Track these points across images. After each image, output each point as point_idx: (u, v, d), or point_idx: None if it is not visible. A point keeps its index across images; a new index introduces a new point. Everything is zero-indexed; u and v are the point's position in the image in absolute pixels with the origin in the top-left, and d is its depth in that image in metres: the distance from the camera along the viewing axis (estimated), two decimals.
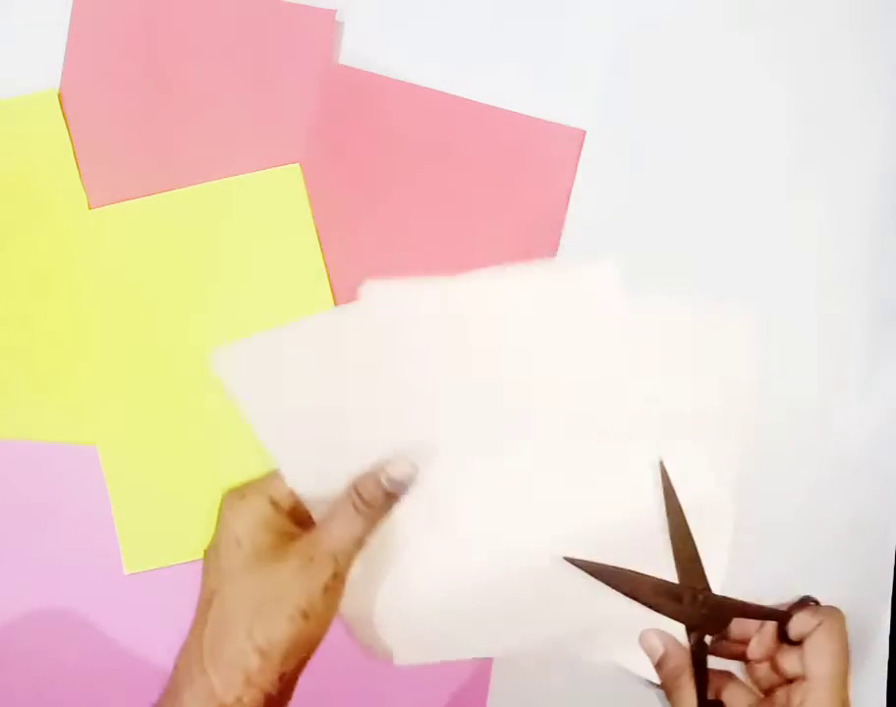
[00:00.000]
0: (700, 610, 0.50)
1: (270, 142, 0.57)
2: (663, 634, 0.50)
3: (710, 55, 0.58)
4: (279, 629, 0.40)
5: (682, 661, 0.49)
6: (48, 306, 0.56)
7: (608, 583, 0.50)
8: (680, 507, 0.51)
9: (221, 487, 0.56)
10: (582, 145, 0.57)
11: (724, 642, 0.51)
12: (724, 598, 0.51)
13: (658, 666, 0.50)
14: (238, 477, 0.56)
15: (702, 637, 0.50)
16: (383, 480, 0.44)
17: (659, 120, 0.58)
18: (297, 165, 0.57)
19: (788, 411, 0.57)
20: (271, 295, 0.57)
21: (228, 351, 0.50)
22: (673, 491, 0.51)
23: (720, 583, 0.52)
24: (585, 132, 0.58)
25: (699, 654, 0.49)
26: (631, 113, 0.58)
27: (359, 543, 0.43)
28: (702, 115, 0.58)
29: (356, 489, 0.44)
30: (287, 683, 0.41)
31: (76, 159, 0.57)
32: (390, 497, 0.44)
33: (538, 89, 0.58)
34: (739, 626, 0.51)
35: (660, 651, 0.50)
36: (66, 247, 0.56)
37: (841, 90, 0.58)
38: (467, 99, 0.57)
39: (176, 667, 0.42)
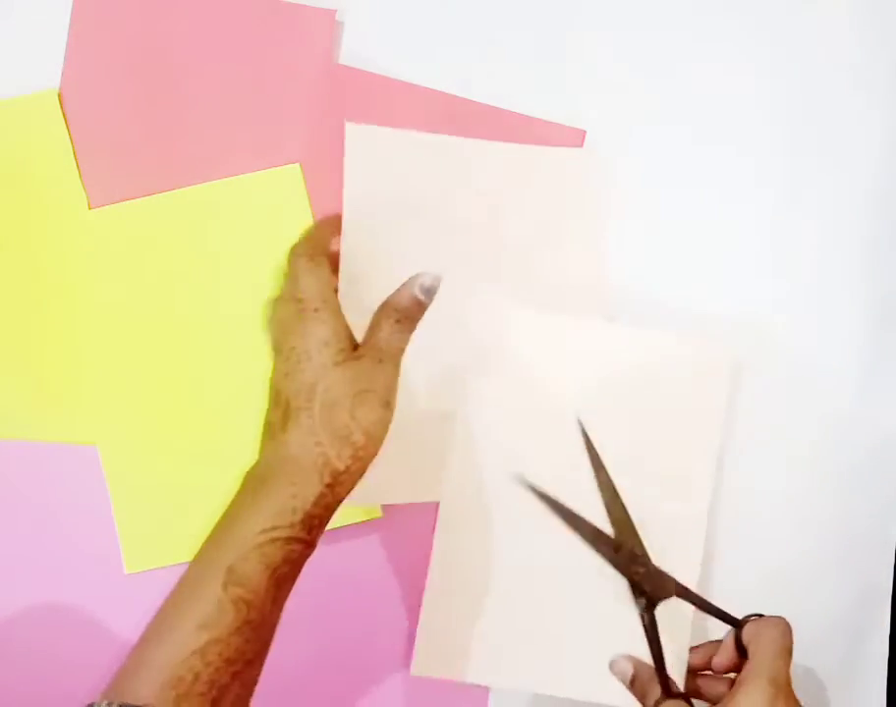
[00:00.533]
0: (637, 567, 0.52)
1: (270, 142, 0.57)
2: (630, 658, 0.52)
3: (710, 55, 0.58)
4: (376, 414, 0.47)
5: (648, 674, 0.51)
6: (48, 306, 0.56)
7: (554, 510, 0.52)
8: (603, 464, 0.53)
9: (221, 487, 0.56)
10: (582, 145, 0.57)
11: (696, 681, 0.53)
12: (663, 571, 0.52)
13: (631, 683, 0.52)
14: (237, 477, 0.56)
15: (652, 608, 0.51)
16: (416, 290, 0.49)
17: (659, 121, 0.58)
18: (297, 165, 0.57)
19: (788, 412, 0.57)
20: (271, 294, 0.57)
21: (360, 128, 0.54)
22: (595, 449, 0.53)
23: (695, 580, 0.53)
24: (584, 132, 0.58)
25: (650, 630, 0.51)
26: (631, 113, 0.58)
27: (402, 351, 0.49)
28: (703, 116, 0.58)
29: (393, 305, 0.49)
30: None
31: (76, 159, 0.57)
32: (421, 306, 0.49)
33: (538, 89, 0.58)
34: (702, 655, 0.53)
35: (630, 672, 0.52)
36: (66, 247, 0.56)
37: (842, 90, 0.58)
38: (467, 99, 0.57)
39: (276, 456, 0.47)
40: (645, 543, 0.53)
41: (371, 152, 0.55)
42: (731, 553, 0.56)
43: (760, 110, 0.58)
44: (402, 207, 0.55)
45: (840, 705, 0.57)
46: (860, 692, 0.57)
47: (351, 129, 0.54)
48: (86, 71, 0.57)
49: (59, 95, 0.57)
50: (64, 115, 0.57)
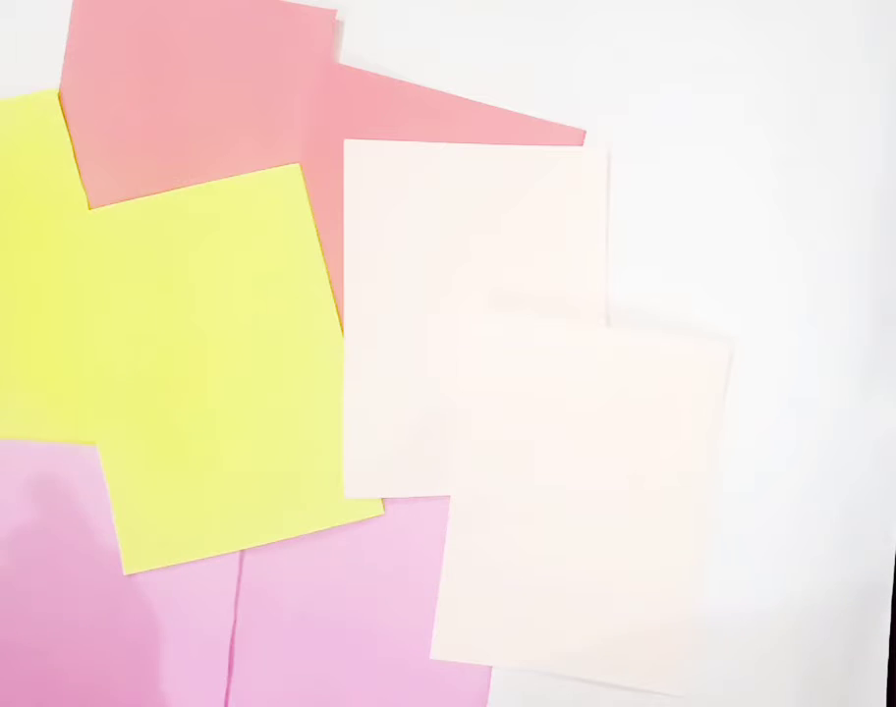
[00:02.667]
0: None
1: (270, 142, 0.57)
2: None
3: (711, 56, 0.58)
4: None
5: None
6: (48, 306, 0.56)
7: None
8: None
9: (220, 488, 0.56)
10: (581, 145, 0.58)
11: None
12: None
13: None
14: (237, 477, 0.56)
15: None
16: None
17: (658, 121, 0.58)
18: (297, 165, 0.57)
19: (788, 412, 0.57)
20: (271, 294, 0.57)
21: (358, 143, 0.56)
22: None
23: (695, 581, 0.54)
24: (584, 132, 0.58)
25: None
26: (631, 113, 0.58)
27: None
28: (702, 117, 0.58)
29: None
30: None
31: (76, 159, 0.57)
32: None
33: (538, 89, 0.58)
34: None
35: None
36: (66, 247, 0.56)
37: (842, 89, 0.58)
38: (467, 99, 0.57)
39: None
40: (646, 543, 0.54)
41: (371, 166, 0.56)
42: (730, 552, 0.56)
43: (761, 111, 0.58)
44: (404, 218, 0.56)
45: (840, 705, 0.57)
46: (860, 692, 0.57)
47: (350, 145, 0.56)
48: (86, 71, 0.57)
49: (59, 95, 0.57)
50: (64, 115, 0.57)
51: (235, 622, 0.56)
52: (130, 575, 0.56)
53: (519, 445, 0.56)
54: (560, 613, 0.55)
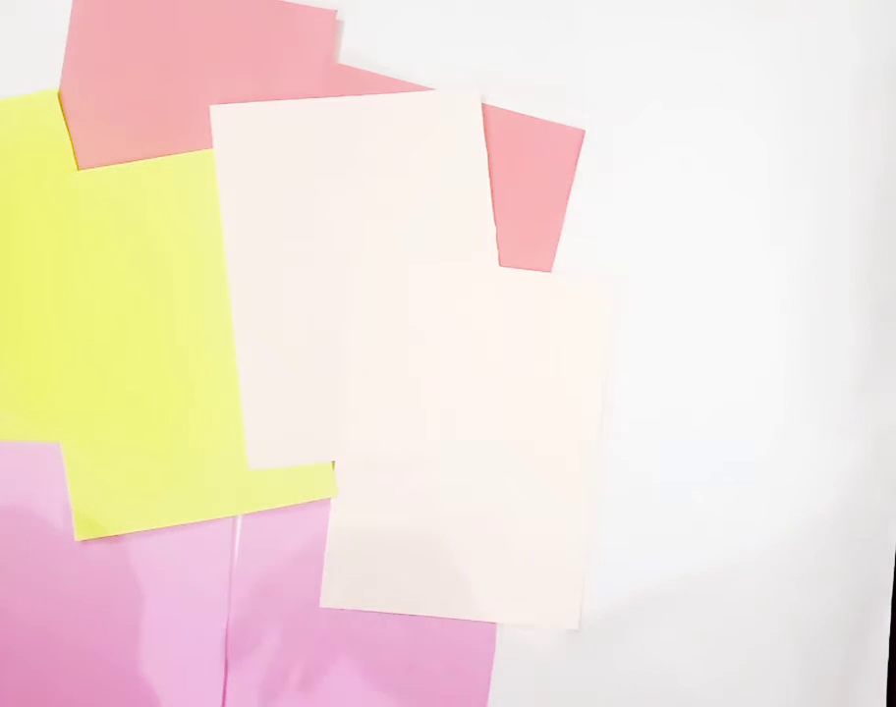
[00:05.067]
0: None
1: None
2: None
3: (710, 56, 0.58)
4: None
5: None
6: (19, 308, 0.56)
7: None
8: None
9: (186, 483, 0.55)
10: (581, 145, 0.58)
11: None
12: None
13: None
14: (205, 472, 0.56)
15: None
16: None
17: (657, 121, 0.58)
18: None
19: (788, 412, 0.57)
20: None
21: (225, 108, 0.56)
22: None
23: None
24: (584, 131, 0.58)
25: None
26: (630, 113, 0.58)
27: None
28: (701, 117, 0.58)
29: None
30: None
31: (76, 159, 0.57)
32: None
33: (538, 89, 0.58)
34: None
35: None
36: (65, 249, 0.56)
37: (841, 86, 0.58)
38: None
39: None
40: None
41: (242, 132, 0.56)
42: (731, 553, 0.56)
43: (761, 111, 0.58)
44: (282, 180, 0.56)
45: (840, 705, 0.57)
46: (860, 692, 0.57)
47: (217, 111, 0.56)
48: (86, 71, 0.57)
49: (59, 95, 0.57)
50: (64, 115, 0.57)
51: (229, 611, 0.56)
52: (116, 567, 0.55)
53: (407, 396, 0.56)
54: (445, 556, 0.56)
